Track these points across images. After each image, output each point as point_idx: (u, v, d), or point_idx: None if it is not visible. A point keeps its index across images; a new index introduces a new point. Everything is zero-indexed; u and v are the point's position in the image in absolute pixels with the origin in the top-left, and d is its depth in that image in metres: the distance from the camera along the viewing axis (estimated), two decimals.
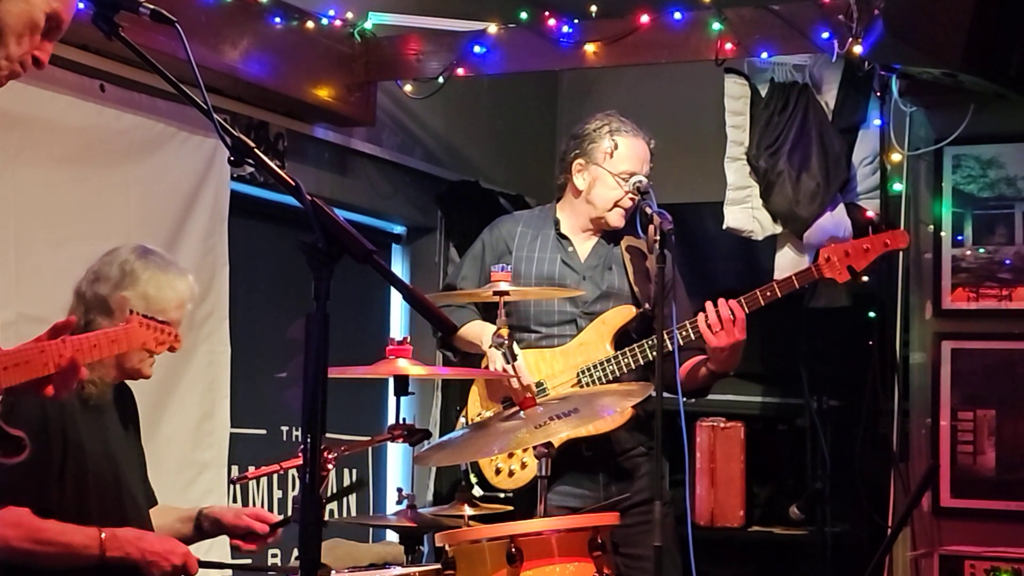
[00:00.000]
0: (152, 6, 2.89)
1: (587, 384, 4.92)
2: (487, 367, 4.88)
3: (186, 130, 5.67)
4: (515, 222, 5.25)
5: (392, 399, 4.35)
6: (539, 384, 4.94)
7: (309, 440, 2.59)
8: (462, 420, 5.12)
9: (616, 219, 5.05)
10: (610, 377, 4.92)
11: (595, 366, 4.94)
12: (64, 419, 4.00)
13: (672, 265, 4.63)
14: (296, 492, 5.97)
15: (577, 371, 4.95)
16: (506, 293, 4.48)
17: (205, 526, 4.43)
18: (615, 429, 4.90)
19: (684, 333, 4.86)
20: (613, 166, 5.01)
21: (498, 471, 4.95)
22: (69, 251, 4.88)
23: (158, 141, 5.58)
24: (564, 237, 5.12)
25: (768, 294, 4.95)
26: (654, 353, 4.76)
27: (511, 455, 4.89)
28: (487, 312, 5.04)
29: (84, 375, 3.36)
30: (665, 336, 4.55)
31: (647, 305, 4.98)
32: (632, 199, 4.97)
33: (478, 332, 4.97)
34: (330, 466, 4.11)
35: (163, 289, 4.18)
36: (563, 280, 5.04)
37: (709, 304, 4.87)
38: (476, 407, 5.05)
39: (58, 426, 3.98)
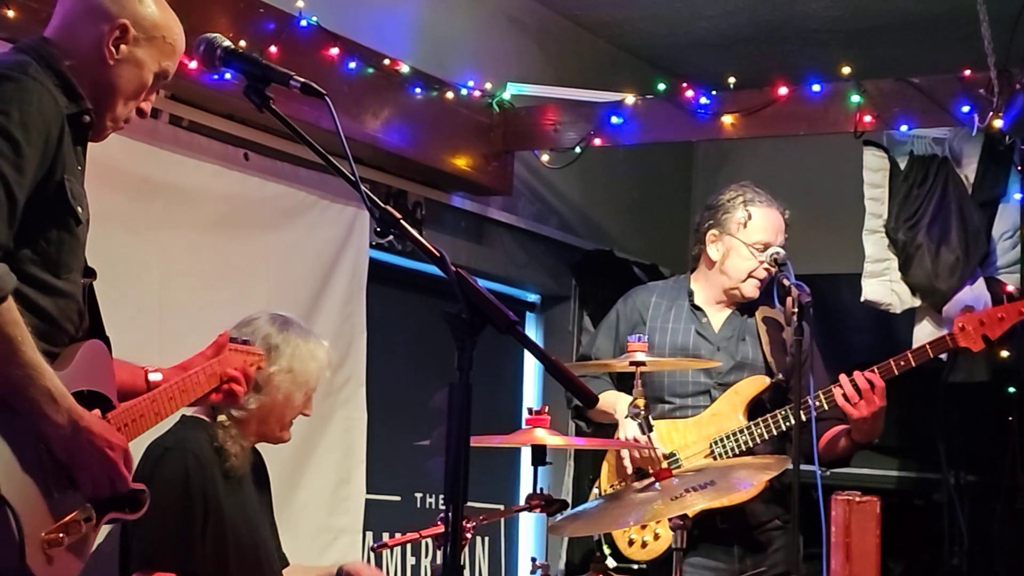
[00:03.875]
0: (302, 79, 2.95)
1: (720, 455, 4.89)
2: (620, 437, 4.88)
3: (327, 198, 5.75)
4: (649, 292, 5.24)
5: (524, 467, 4.35)
6: (671, 455, 4.91)
7: (451, 509, 2.60)
8: (595, 491, 5.11)
9: (750, 290, 5.02)
10: (743, 448, 4.88)
11: (728, 436, 4.90)
12: (205, 482, 4.06)
13: (809, 337, 4.59)
14: (430, 560, 5.98)
15: (710, 442, 4.92)
16: (642, 363, 4.47)
17: None
18: (750, 501, 4.86)
19: (818, 403, 4.82)
20: (747, 236, 4.99)
21: (631, 542, 4.93)
22: (211, 316, 4.95)
23: (299, 209, 5.66)
24: (698, 308, 5.10)
25: (902, 363, 4.89)
26: (787, 424, 4.74)
27: (644, 526, 4.87)
28: (620, 382, 5.04)
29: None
30: (787, 413, 4.57)
31: (780, 376, 4.94)
32: (767, 270, 4.95)
33: (612, 402, 4.96)
34: (469, 535, 4.12)
35: (307, 361, 4.25)
36: (697, 351, 5.02)
37: (844, 378, 4.83)
38: (609, 478, 5.04)
39: (199, 489, 4.04)
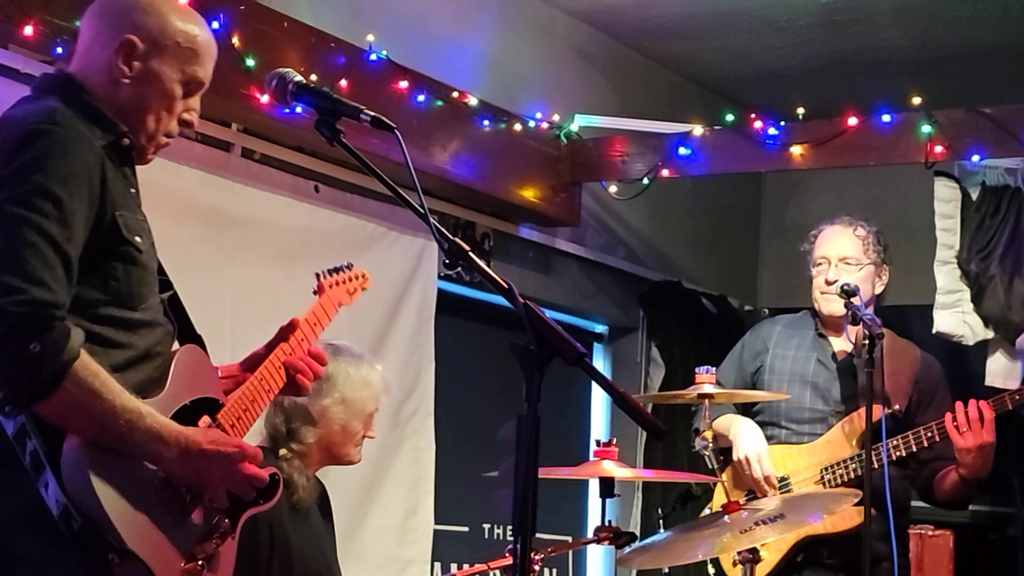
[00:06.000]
0: (373, 113, 2.95)
1: (829, 482, 4.87)
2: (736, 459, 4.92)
3: (396, 230, 5.79)
4: (775, 323, 5.30)
5: (592, 499, 4.33)
6: (783, 479, 4.92)
7: (519, 541, 2.59)
8: (707, 511, 5.09)
9: (825, 307, 5.03)
10: (851, 476, 4.84)
11: (838, 464, 4.88)
12: (271, 512, 4.06)
13: (940, 372, 4.80)
14: None
15: (820, 468, 4.90)
16: (710, 396, 4.46)
17: None
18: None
19: (930, 434, 4.77)
20: (812, 255, 5.08)
21: (735, 563, 4.90)
22: None
23: (369, 240, 5.70)
24: (823, 336, 5.10)
25: (1017, 398, 4.80)
26: (896, 453, 4.72)
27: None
28: (745, 408, 5.09)
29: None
30: (898, 443, 4.72)
31: (897, 407, 4.88)
32: (828, 281, 4.96)
33: (727, 424, 5.01)
34: (537, 567, 4.11)
35: (359, 390, 4.24)
36: (815, 377, 5.03)
37: (959, 404, 4.78)
38: (721, 498, 5.02)
39: (265, 519, 4.04)
